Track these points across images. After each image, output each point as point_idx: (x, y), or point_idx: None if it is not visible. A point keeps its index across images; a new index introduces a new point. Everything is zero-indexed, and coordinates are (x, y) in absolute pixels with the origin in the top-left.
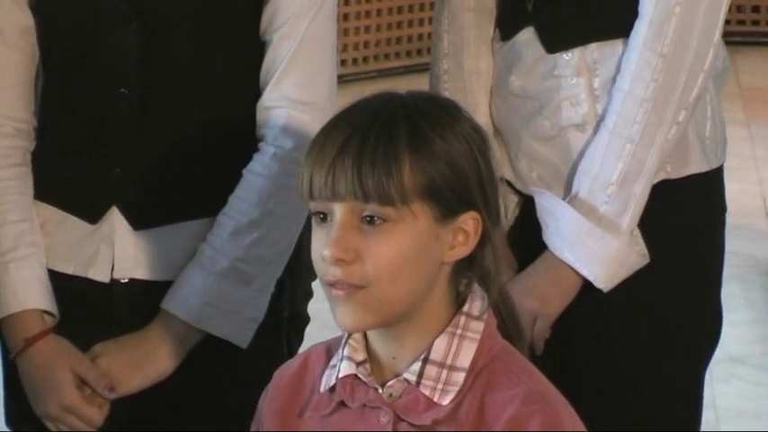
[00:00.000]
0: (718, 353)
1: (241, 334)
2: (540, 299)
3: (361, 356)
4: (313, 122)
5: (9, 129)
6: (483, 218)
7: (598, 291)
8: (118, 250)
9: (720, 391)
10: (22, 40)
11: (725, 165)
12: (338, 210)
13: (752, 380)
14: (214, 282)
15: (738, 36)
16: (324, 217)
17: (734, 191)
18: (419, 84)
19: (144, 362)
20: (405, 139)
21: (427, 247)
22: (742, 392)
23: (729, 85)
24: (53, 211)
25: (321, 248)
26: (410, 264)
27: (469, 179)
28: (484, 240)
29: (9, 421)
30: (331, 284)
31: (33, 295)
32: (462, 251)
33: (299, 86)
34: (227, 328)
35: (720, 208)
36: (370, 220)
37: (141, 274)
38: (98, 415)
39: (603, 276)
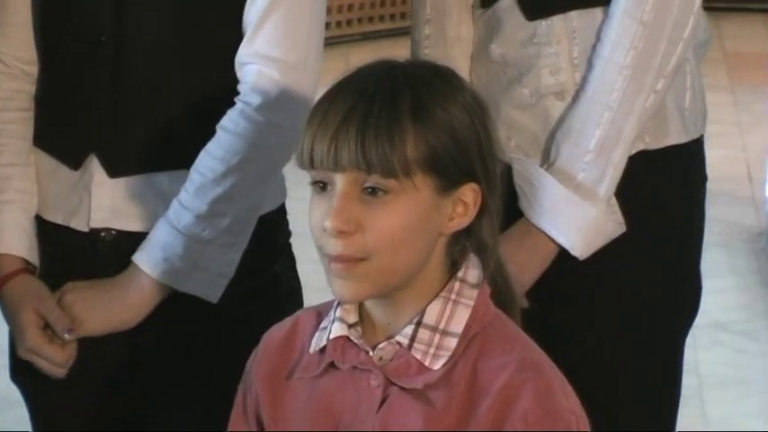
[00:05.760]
0: (702, 319)
1: (209, 289)
2: (515, 266)
3: (352, 318)
4: (283, 80)
5: (16, 70)
6: (482, 189)
7: (578, 261)
8: (94, 199)
9: (703, 357)
10: None
11: (709, 131)
12: (339, 180)
13: (735, 346)
14: (178, 237)
15: (723, 2)
16: (323, 186)
17: (718, 157)
18: (403, 47)
19: (108, 307)
20: (408, 111)
21: (428, 219)
22: (725, 359)
23: (713, 51)
24: (46, 161)
25: (321, 219)
26: (410, 236)
27: (470, 150)
28: (482, 211)
29: (14, 374)
30: (330, 257)
31: (8, 240)
32: (461, 222)
33: (270, 43)
34: (192, 283)
35: (701, 179)
36: (372, 192)
37: (118, 224)
38: (60, 354)
39: (580, 244)
